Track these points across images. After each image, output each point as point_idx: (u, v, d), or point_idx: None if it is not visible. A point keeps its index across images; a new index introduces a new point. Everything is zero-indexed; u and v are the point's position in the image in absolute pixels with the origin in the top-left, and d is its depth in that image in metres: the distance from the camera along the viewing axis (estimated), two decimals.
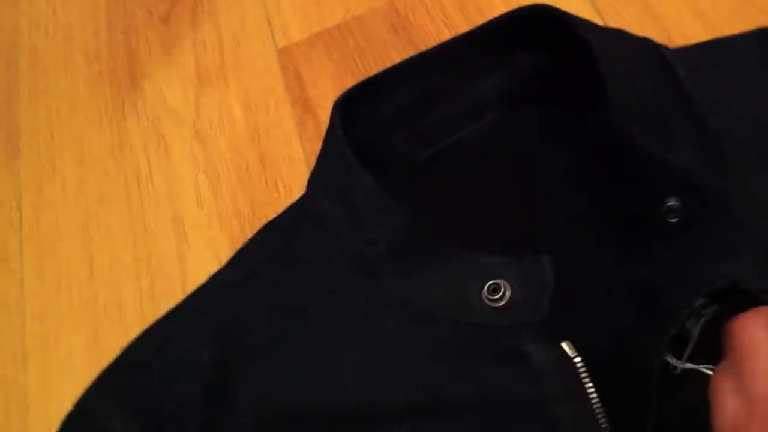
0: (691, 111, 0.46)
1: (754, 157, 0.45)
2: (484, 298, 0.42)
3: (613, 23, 0.57)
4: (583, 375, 0.40)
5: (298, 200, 0.52)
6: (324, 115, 0.59)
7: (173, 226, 0.57)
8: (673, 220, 0.43)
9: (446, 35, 0.60)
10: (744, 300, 0.40)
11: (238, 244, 0.52)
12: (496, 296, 0.42)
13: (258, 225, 0.52)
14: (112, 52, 0.68)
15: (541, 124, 0.51)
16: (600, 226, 0.47)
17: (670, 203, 0.43)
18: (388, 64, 0.58)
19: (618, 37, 0.49)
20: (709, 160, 0.44)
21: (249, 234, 0.52)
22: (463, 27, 0.60)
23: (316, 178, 0.50)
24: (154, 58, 0.67)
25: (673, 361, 0.40)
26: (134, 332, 0.48)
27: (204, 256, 0.55)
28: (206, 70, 0.65)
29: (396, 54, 0.60)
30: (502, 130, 0.52)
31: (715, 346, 0.40)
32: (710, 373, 0.38)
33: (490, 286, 0.42)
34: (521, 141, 0.51)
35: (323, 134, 0.49)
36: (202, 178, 0.59)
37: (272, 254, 0.50)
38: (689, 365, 0.39)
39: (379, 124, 0.51)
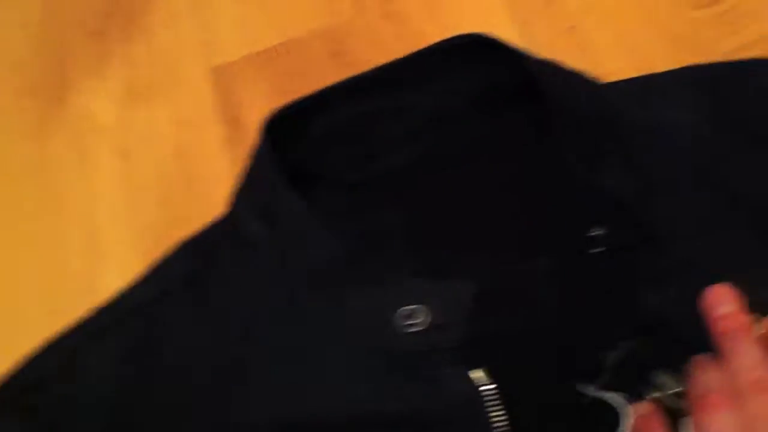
0: (621, 143, 0.46)
1: (679, 193, 0.45)
2: (401, 322, 0.42)
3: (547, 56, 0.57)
4: (491, 403, 0.39)
5: (219, 218, 0.50)
6: (254, 136, 0.57)
7: (87, 241, 0.55)
8: (597, 250, 0.43)
9: (383, 61, 0.60)
10: (665, 332, 0.40)
11: (152, 262, 0.50)
12: (414, 321, 0.41)
13: (174, 244, 0.50)
14: (42, 65, 0.66)
15: (475, 149, 0.51)
16: (530, 253, 0.47)
17: (595, 232, 0.43)
18: None
19: (554, 65, 0.49)
20: (638, 192, 0.44)
21: (164, 253, 0.50)
22: (401, 54, 0.60)
23: (239, 195, 0.49)
24: (84, 73, 0.65)
25: (585, 390, 0.39)
26: None
27: (116, 273, 0.53)
28: (136, 86, 0.63)
29: (333, 78, 0.59)
30: (437, 152, 0.52)
31: (629, 376, 0.40)
32: (622, 402, 0.38)
33: (409, 311, 0.42)
34: (455, 164, 0.51)
35: None
36: (121, 194, 0.57)
37: (189, 272, 0.48)
38: (602, 393, 0.39)
39: (311, 142, 0.50)
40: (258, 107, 0.59)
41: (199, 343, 0.46)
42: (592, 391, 0.39)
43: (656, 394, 0.39)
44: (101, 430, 0.43)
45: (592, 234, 0.43)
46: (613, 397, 0.39)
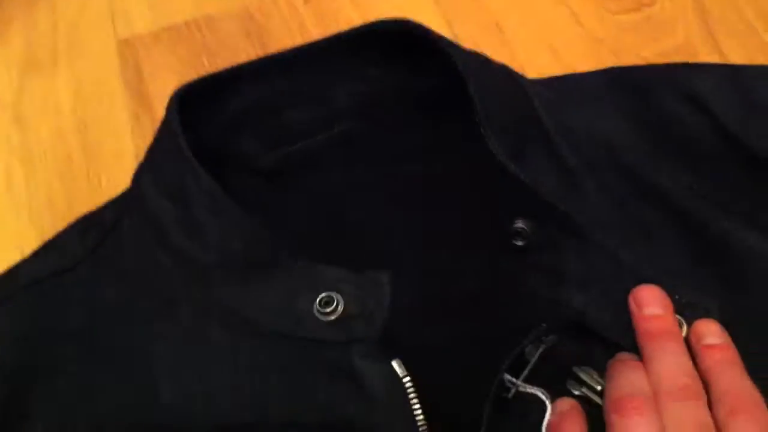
0: (544, 137, 0.45)
1: (603, 194, 0.45)
2: (315, 310, 0.39)
3: None
4: (411, 395, 0.37)
5: (121, 194, 0.47)
6: (161, 112, 0.54)
7: None
8: (520, 242, 0.42)
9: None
10: (588, 331, 0.39)
11: (49, 238, 0.46)
12: (328, 309, 0.39)
13: (73, 220, 0.47)
14: None
15: (394, 138, 0.49)
16: (452, 245, 0.46)
17: (518, 225, 0.42)
18: None
19: (479, 58, 0.48)
20: (562, 188, 0.44)
21: (61, 229, 0.47)
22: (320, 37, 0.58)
23: (144, 172, 0.45)
24: None
25: (509, 382, 0.38)
26: None
27: (7, 246, 0.49)
28: (35, 54, 0.59)
29: (246, 57, 0.56)
30: (355, 140, 0.50)
31: (552, 371, 0.39)
32: (543, 397, 0.37)
33: (322, 298, 0.39)
34: (373, 153, 0.49)
35: None
36: (15, 164, 0.53)
37: (87, 249, 0.45)
38: (524, 387, 0.38)
39: (224, 123, 0.47)
40: (166, 83, 0.56)
41: (96, 328, 0.42)
42: (515, 384, 0.38)
43: (580, 391, 0.38)
44: None
45: (517, 227, 0.42)
46: (535, 392, 0.37)
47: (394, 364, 0.38)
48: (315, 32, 0.59)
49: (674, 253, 0.42)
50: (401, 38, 0.46)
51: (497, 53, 0.55)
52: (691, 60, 0.53)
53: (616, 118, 0.47)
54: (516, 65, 0.54)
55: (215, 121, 0.47)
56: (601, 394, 0.37)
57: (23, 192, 0.52)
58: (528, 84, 0.49)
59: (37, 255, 0.46)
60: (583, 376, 0.38)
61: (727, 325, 0.38)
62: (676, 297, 0.38)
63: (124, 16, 0.60)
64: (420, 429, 0.37)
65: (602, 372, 0.38)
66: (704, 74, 0.47)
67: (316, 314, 0.39)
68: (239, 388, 0.40)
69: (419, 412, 0.37)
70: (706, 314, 0.38)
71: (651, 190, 0.44)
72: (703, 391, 0.35)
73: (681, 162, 0.44)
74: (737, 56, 0.54)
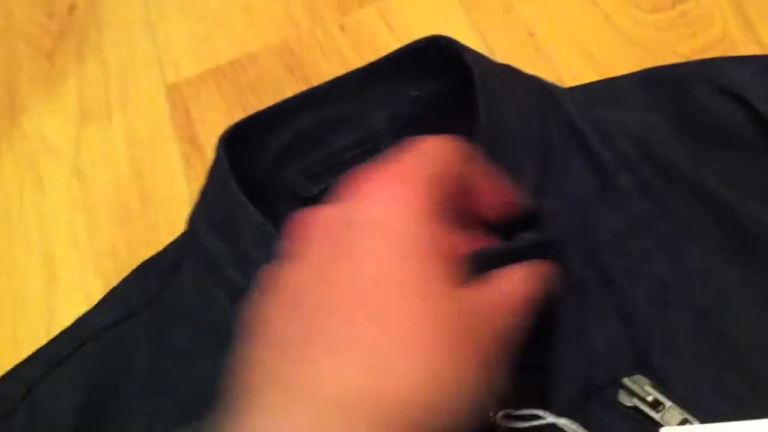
0: (581, 143, 0.45)
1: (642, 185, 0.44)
2: None
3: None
4: None
5: (179, 237, 0.49)
6: (212, 153, 0.56)
7: (43, 265, 0.53)
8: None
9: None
10: None
11: (113, 285, 0.48)
12: None
13: (135, 266, 0.49)
14: None
15: None
16: None
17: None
18: None
19: (505, 71, 0.48)
20: (598, 184, 0.44)
21: (124, 275, 0.49)
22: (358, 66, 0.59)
23: (198, 214, 0.47)
24: (36, 95, 0.63)
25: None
26: None
27: (75, 297, 0.51)
28: (90, 107, 0.62)
29: (290, 92, 0.58)
30: None
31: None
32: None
33: None
34: None
35: None
36: (77, 216, 0.55)
37: (150, 293, 0.47)
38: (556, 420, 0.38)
39: (270, 159, 0.49)
40: (215, 124, 0.58)
41: (164, 368, 0.44)
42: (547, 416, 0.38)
43: (632, 402, 0.38)
44: None
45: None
46: (567, 425, 0.37)
47: None
48: (353, 59, 0.60)
49: (713, 252, 0.41)
50: (435, 54, 0.47)
51: (532, 62, 0.56)
52: (730, 54, 0.52)
53: (649, 112, 0.46)
54: (552, 72, 0.55)
55: (264, 156, 0.48)
56: (653, 405, 0.37)
57: (86, 243, 0.54)
58: (559, 90, 0.49)
59: (102, 303, 0.48)
60: (634, 387, 0.38)
61: None
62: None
63: (171, 61, 0.63)
64: None
65: (656, 383, 0.38)
66: (740, 65, 0.47)
67: None
68: None
69: None
70: None
71: (689, 183, 0.43)
72: None
73: (719, 154, 0.44)
74: None
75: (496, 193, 0.38)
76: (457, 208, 0.35)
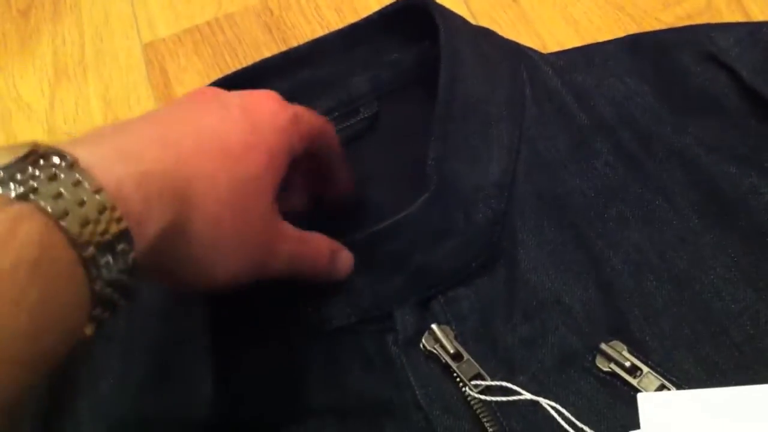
0: (556, 105, 0.45)
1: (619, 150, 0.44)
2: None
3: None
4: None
5: None
6: None
7: None
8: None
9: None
10: None
11: None
12: None
13: None
14: None
15: (414, 123, 0.49)
16: None
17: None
18: None
19: (479, 34, 0.48)
20: (573, 146, 0.44)
21: None
22: (339, 27, 0.58)
23: None
24: (10, 52, 0.62)
25: None
26: None
27: None
28: (64, 65, 0.60)
29: (268, 53, 0.58)
30: (375, 127, 0.50)
31: None
32: None
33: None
34: (393, 139, 0.49)
35: None
36: None
37: None
38: None
39: None
40: (191, 84, 0.57)
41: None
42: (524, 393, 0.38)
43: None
44: None
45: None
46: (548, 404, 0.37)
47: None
48: (333, 20, 0.59)
49: (690, 217, 0.41)
50: (414, 17, 0.47)
51: (515, 28, 0.55)
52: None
53: (632, 77, 0.46)
54: (536, 38, 0.54)
55: None
56: (630, 370, 0.37)
57: None
58: (537, 54, 0.48)
59: None
60: (612, 353, 0.38)
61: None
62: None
63: (147, 21, 0.62)
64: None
65: (633, 349, 0.38)
66: (724, 32, 0.46)
67: None
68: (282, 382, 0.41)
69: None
70: None
71: (668, 148, 0.43)
72: None
73: (700, 120, 0.43)
74: (763, 16, 0.53)
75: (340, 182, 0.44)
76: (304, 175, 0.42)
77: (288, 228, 0.37)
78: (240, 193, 0.33)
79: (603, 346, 0.38)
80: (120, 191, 0.27)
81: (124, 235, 0.27)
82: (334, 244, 0.40)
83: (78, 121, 0.57)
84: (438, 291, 0.41)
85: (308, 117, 0.39)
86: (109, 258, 0.26)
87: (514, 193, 0.42)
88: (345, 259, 0.40)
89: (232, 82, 0.46)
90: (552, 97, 0.45)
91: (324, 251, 0.39)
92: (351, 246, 0.40)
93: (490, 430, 0.36)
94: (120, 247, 0.27)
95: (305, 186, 0.43)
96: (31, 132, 0.57)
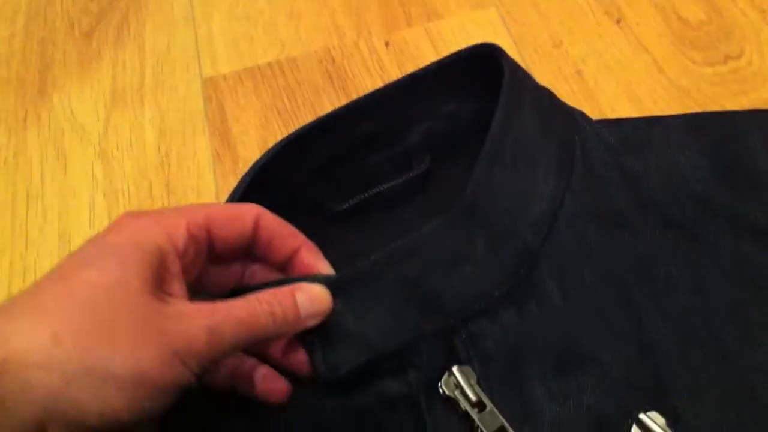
0: (604, 179, 0.44)
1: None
2: None
3: None
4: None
5: None
6: (243, 151, 0.55)
7: (59, 243, 0.52)
8: None
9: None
10: None
11: None
12: None
13: None
14: (24, 60, 0.64)
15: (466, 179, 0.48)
16: None
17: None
18: (317, 109, 0.56)
19: (540, 89, 0.47)
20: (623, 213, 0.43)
21: None
22: None
23: None
24: (69, 72, 0.62)
25: None
26: None
27: None
28: (122, 91, 0.61)
29: (327, 99, 0.58)
30: (427, 183, 0.50)
31: None
32: None
33: None
34: (445, 196, 0.49)
35: (239, 170, 0.45)
36: (99, 198, 0.54)
37: None
38: None
39: (305, 176, 0.47)
40: (248, 123, 0.57)
41: None
42: None
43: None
44: None
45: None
46: None
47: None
48: (394, 74, 0.59)
49: (741, 288, 0.40)
50: (479, 71, 0.46)
51: (577, 99, 0.55)
52: None
53: (692, 151, 0.45)
54: (596, 111, 0.55)
55: (298, 173, 0.47)
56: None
57: (105, 225, 0.52)
58: (591, 128, 0.47)
59: None
60: (650, 424, 0.36)
61: None
62: None
63: (210, 56, 0.62)
64: None
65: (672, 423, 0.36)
66: None
67: None
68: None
69: None
70: None
71: (722, 218, 0.42)
72: None
73: (758, 198, 0.42)
74: None
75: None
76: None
77: (194, 307, 0.34)
78: (75, 304, 0.31)
79: (642, 416, 0.36)
80: None
81: None
82: (281, 291, 0.36)
83: (131, 147, 0.57)
84: (458, 322, 0.38)
85: (177, 212, 0.37)
86: None
87: (553, 237, 0.41)
88: (309, 294, 0.37)
89: (300, 137, 0.45)
90: (601, 168, 0.44)
91: (259, 303, 0.35)
92: (354, 277, 0.38)
93: None
94: None
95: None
96: (83, 154, 0.57)
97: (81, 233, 0.53)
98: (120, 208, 0.53)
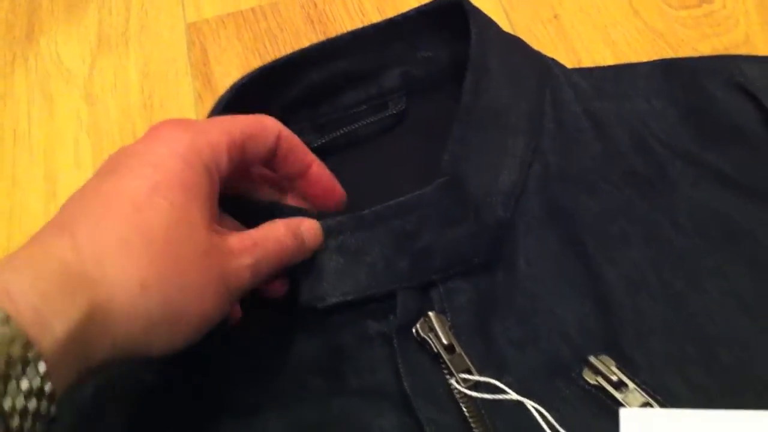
0: (573, 131, 0.46)
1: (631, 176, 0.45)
2: None
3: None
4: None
5: None
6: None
7: (44, 184, 0.53)
8: None
9: None
10: None
11: None
12: None
13: None
14: (12, 6, 0.64)
15: (440, 122, 0.49)
16: None
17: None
18: None
19: (511, 43, 0.49)
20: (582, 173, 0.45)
21: None
22: None
23: None
24: (56, 17, 0.63)
25: None
26: None
27: None
28: (107, 35, 0.62)
29: (308, 43, 0.58)
30: (402, 123, 0.51)
31: None
32: None
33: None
34: (418, 137, 0.50)
35: None
36: (83, 139, 0.55)
37: None
38: None
39: (280, 109, 0.48)
40: (230, 66, 0.58)
41: None
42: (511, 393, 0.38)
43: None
44: None
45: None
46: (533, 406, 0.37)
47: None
48: (374, 17, 0.60)
49: (693, 237, 0.42)
50: (451, 16, 0.48)
51: (553, 43, 0.56)
52: None
53: (659, 99, 0.47)
54: (573, 56, 0.55)
55: (274, 107, 0.48)
56: (617, 385, 0.38)
57: (90, 165, 0.54)
58: (563, 74, 0.49)
59: None
60: (600, 366, 0.38)
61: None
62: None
63: (194, 1, 0.63)
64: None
65: (622, 365, 0.38)
66: (754, 63, 0.47)
67: None
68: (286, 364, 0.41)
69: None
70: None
71: (683, 172, 0.44)
72: None
73: (720, 147, 0.44)
74: None
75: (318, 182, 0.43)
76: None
77: (238, 240, 0.36)
78: (157, 246, 0.32)
79: (591, 358, 0.38)
80: (10, 298, 0.27)
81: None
82: (292, 222, 0.39)
83: (115, 89, 0.58)
84: (439, 279, 0.41)
85: (218, 128, 0.37)
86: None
87: (521, 204, 0.43)
88: (310, 229, 0.39)
89: (271, 70, 0.47)
90: (571, 120, 0.46)
91: (285, 236, 0.38)
92: (356, 222, 0.40)
93: (474, 426, 0.37)
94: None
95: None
96: (68, 96, 0.58)
97: (66, 173, 0.54)
98: (104, 148, 0.55)
